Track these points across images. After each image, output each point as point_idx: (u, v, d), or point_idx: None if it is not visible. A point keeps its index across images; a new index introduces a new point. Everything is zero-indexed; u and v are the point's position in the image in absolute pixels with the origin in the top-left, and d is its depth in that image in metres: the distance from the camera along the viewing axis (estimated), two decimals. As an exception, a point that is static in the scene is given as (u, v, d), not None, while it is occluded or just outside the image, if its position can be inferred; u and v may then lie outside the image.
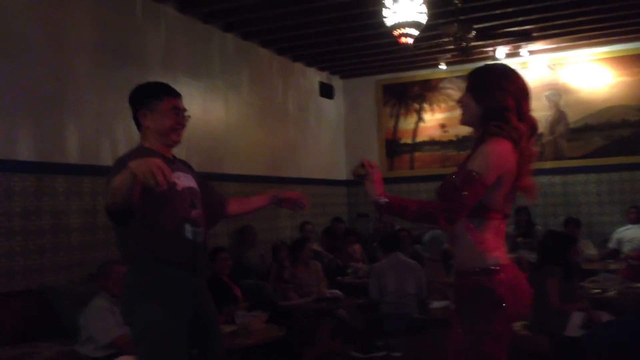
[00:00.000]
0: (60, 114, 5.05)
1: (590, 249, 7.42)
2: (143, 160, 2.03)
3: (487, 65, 2.43)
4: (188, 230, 2.53)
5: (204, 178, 2.83)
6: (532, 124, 2.31)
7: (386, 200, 2.20)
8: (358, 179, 2.28)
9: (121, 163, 2.31)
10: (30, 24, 4.83)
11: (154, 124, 2.58)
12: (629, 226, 7.45)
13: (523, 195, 2.32)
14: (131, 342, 3.73)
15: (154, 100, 2.58)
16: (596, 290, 5.40)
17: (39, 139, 4.86)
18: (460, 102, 2.38)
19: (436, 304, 6.31)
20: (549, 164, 8.48)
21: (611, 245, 7.51)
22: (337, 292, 5.81)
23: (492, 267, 2.21)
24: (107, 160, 5.24)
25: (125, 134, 5.33)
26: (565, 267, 4.93)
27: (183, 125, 2.63)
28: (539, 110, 8.48)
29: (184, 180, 2.60)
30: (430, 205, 2.17)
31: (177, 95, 2.65)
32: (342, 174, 9.90)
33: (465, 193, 2.11)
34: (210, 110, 6.89)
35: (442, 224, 2.15)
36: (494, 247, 2.24)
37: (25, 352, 4.05)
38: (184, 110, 2.65)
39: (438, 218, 2.13)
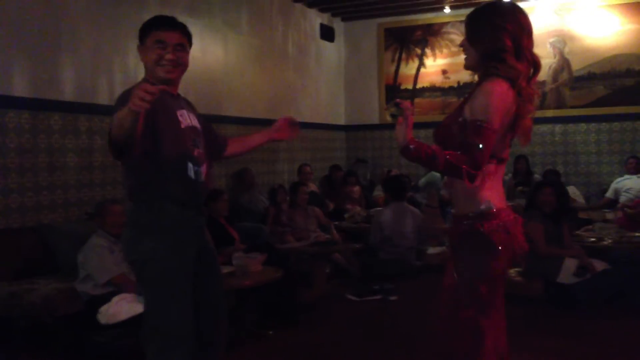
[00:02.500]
0: (56, 50, 4.95)
1: (578, 197, 7.44)
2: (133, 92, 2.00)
3: (482, 6, 2.30)
4: (190, 169, 2.50)
5: (206, 119, 2.77)
6: (533, 61, 2.22)
7: (415, 147, 2.06)
8: (391, 119, 2.12)
9: (124, 97, 2.26)
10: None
11: (143, 59, 2.54)
12: (627, 176, 7.44)
13: (518, 138, 2.26)
14: (130, 280, 3.82)
15: (143, 34, 2.53)
16: (592, 239, 5.44)
17: (34, 75, 4.77)
18: (462, 46, 2.31)
19: (432, 250, 6.38)
20: (550, 113, 8.40)
21: (608, 195, 7.52)
22: (336, 235, 5.83)
23: (487, 212, 2.18)
24: (103, 98, 5.16)
25: (122, 71, 5.23)
26: (544, 212, 5.00)
27: (169, 60, 2.48)
28: (543, 57, 8.07)
29: (187, 119, 2.56)
30: (456, 157, 2.05)
31: (166, 28, 2.50)
32: (341, 118, 9.83)
33: (482, 146, 2.03)
34: (208, 50, 6.77)
35: (467, 178, 2.05)
36: (490, 192, 2.21)
37: (24, 288, 4.08)
38: (178, 45, 2.51)
39: (464, 171, 2.03)
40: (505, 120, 2.15)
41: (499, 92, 2.12)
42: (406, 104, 2.14)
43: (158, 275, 2.44)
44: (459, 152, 2.07)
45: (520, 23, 2.21)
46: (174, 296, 2.44)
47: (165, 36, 2.49)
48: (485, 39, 2.20)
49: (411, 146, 2.08)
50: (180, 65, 2.54)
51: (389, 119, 2.15)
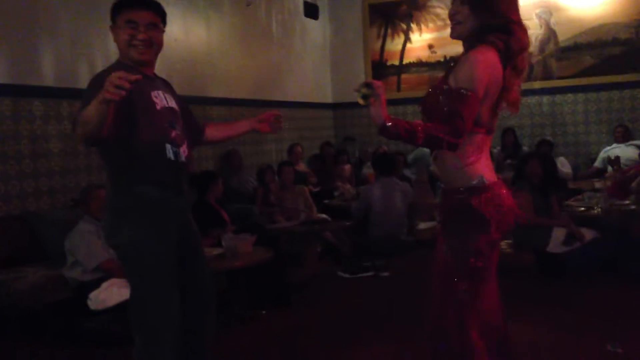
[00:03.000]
0: (35, 34, 4.85)
1: (566, 168, 7.45)
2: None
3: None
4: (169, 150, 2.45)
5: (184, 101, 2.71)
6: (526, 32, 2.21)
7: (393, 124, 2.05)
8: (363, 101, 2.09)
9: (96, 83, 2.21)
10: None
11: (115, 39, 2.48)
12: (615, 145, 7.45)
13: (507, 108, 2.23)
14: (119, 265, 3.78)
15: (114, 14, 2.46)
16: (581, 209, 5.44)
17: (13, 60, 4.67)
18: (455, 14, 2.21)
19: (423, 225, 6.38)
20: (537, 84, 8.37)
21: (597, 164, 7.54)
22: (323, 216, 5.80)
23: (477, 186, 2.16)
24: (85, 82, 5.01)
25: (103, 55, 5.15)
26: (532, 183, 4.99)
27: (140, 40, 2.41)
28: (530, 28, 8.26)
29: (163, 100, 2.50)
30: (436, 128, 2.04)
31: (137, 7, 2.42)
32: (328, 97, 9.76)
33: (464, 114, 2.01)
34: (191, 31, 6.67)
35: (448, 147, 2.05)
36: (479, 165, 2.19)
37: (11, 277, 4.04)
38: (150, 24, 2.43)
39: (444, 141, 2.02)
40: (491, 89, 2.11)
41: (485, 61, 2.09)
42: (377, 82, 2.10)
43: (139, 261, 2.41)
44: (438, 123, 2.05)
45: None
46: (157, 281, 2.41)
47: (137, 16, 2.41)
48: (497, 8, 2.14)
49: (388, 124, 2.05)
50: (154, 45, 2.46)
51: (360, 101, 2.10)
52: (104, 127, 2.08)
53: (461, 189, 2.19)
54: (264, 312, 4.37)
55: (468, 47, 2.19)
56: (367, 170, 7.64)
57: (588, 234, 4.95)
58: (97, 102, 1.99)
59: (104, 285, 3.80)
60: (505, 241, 5.08)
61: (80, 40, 5.17)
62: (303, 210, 5.96)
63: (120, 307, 3.58)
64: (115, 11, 2.45)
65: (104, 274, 3.92)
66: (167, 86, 2.63)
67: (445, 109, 2.07)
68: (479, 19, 2.16)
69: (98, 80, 2.17)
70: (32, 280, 3.98)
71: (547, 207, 5.07)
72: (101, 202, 4.08)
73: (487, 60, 2.10)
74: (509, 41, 2.12)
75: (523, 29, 2.19)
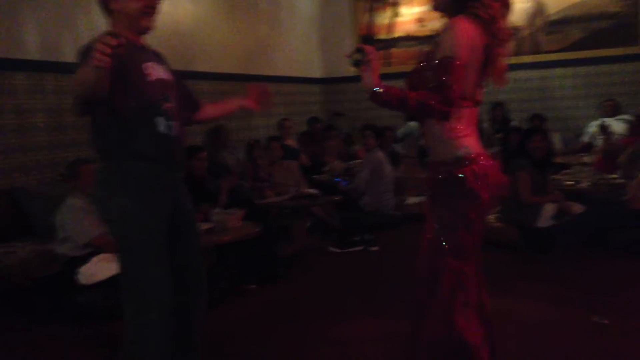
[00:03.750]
0: (17, 6, 4.76)
1: (556, 142, 7.47)
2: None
3: None
4: (161, 123, 2.41)
5: (179, 74, 2.67)
6: (503, 1, 2.19)
7: (384, 91, 2.05)
8: (355, 66, 2.09)
9: (85, 52, 2.16)
10: None
11: (123, 6, 2.40)
12: (604, 119, 7.47)
13: (493, 80, 2.22)
14: (110, 240, 3.76)
15: None
16: (569, 183, 5.48)
17: (-5, 33, 4.60)
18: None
19: (412, 200, 6.40)
20: (526, 59, 8.35)
21: (585, 139, 7.56)
22: (313, 190, 5.80)
23: (463, 157, 2.16)
24: (70, 55, 4.92)
25: (88, 27, 5.07)
26: (534, 160, 4.98)
27: (154, 8, 2.43)
28: (518, 2, 8.25)
29: (156, 71, 2.45)
30: (426, 97, 2.04)
31: None
32: (317, 71, 9.70)
33: (451, 82, 2.01)
34: (179, 4, 6.58)
35: (440, 116, 2.07)
36: (466, 136, 2.19)
37: (0, 252, 4.01)
38: None
39: (436, 110, 2.03)
40: (474, 57, 2.11)
41: (461, 27, 2.10)
42: (369, 48, 2.09)
43: (129, 233, 2.38)
44: (428, 93, 2.05)
45: None
46: (148, 255, 2.38)
47: None
48: None
49: (380, 90, 2.04)
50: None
51: (352, 68, 2.10)
52: (101, 86, 2.05)
53: (448, 160, 2.19)
54: (253, 286, 4.38)
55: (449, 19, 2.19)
56: (358, 145, 7.62)
57: (576, 207, 4.99)
58: (90, 66, 1.96)
59: (94, 259, 3.79)
60: (494, 215, 5.11)
61: (64, 12, 5.09)
62: (292, 185, 5.95)
63: (110, 281, 3.58)
64: None
65: (95, 248, 3.90)
66: (159, 58, 2.59)
67: (431, 84, 2.06)
68: None
69: (85, 51, 2.14)
70: (20, 256, 3.96)
71: (543, 184, 5.06)
72: (90, 177, 4.01)
73: (466, 27, 2.10)
74: (482, 10, 2.11)
75: None
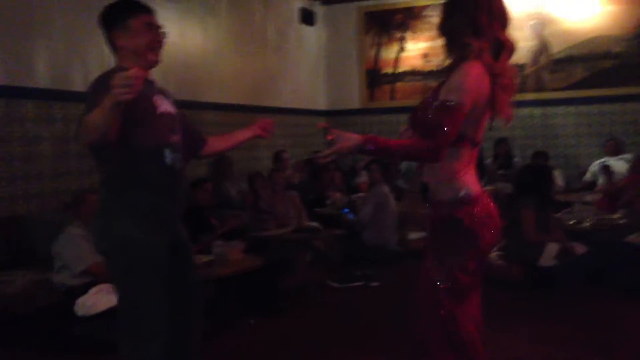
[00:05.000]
0: (29, 36, 4.84)
1: (558, 181, 7.48)
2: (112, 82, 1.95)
3: None
4: (168, 156, 2.44)
5: (183, 111, 2.70)
6: (499, 40, 2.17)
7: (371, 147, 2.06)
8: (333, 153, 2.08)
9: (100, 87, 2.19)
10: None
11: (128, 43, 2.44)
12: (606, 158, 7.48)
13: (497, 117, 2.24)
14: (107, 269, 3.76)
15: (126, 18, 2.43)
16: (571, 222, 5.47)
17: (6, 61, 4.67)
18: (438, 31, 2.29)
19: (414, 235, 6.38)
20: (530, 96, 8.41)
21: (587, 177, 7.57)
22: (314, 224, 5.80)
23: (464, 198, 2.17)
24: (78, 85, 5.06)
25: (97, 58, 5.12)
26: (540, 198, 4.98)
27: (160, 43, 2.48)
28: (523, 40, 8.32)
29: (164, 105, 2.49)
30: (413, 147, 2.09)
31: (149, 11, 2.49)
32: (322, 103, 9.77)
33: (447, 128, 2.03)
34: (187, 35, 6.67)
35: (428, 162, 2.12)
36: (466, 178, 2.19)
37: (0, 280, 4.01)
38: (160, 27, 2.50)
39: (423, 158, 2.09)
40: (478, 103, 2.13)
41: (474, 74, 2.11)
42: (332, 130, 2.11)
43: (129, 265, 2.37)
44: (418, 139, 2.11)
45: (476, 2, 2.18)
46: (147, 288, 2.38)
47: (153, 19, 2.48)
48: (446, 22, 2.23)
49: (366, 146, 2.05)
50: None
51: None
52: (112, 130, 2.08)
53: (448, 200, 2.20)
54: (252, 320, 4.36)
55: (456, 59, 2.20)
56: (362, 179, 7.64)
57: (579, 248, 4.98)
58: (108, 105, 1.98)
59: (92, 290, 3.78)
60: (496, 252, 5.10)
61: (75, 42, 5.16)
62: (294, 216, 5.96)
63: (108, 313, 3.57)
64: (127, 15, 2.44)
65: (92, 278, 3.90)
66: (164, 91, 2.63)
67: (429, 122, 2.09)
68: (442, 33, 2.26)
69: (102, 84, 2.14)
70: (21, 285, 3.95)
71: (545, 222, 5.06)
72: (92, 206, 4.06)
73: (477, 73, 2.12)
74: (458, 47, 2.17)
75: (489, 33, 2.17)
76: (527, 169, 5.59)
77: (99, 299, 3.71)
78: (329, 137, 2.08)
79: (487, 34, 2.16)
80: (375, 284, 5.31)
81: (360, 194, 6.89)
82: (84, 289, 3.80)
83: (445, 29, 2.24)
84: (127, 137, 2.26)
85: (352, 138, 2.06)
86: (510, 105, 2.22)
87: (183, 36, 6.57)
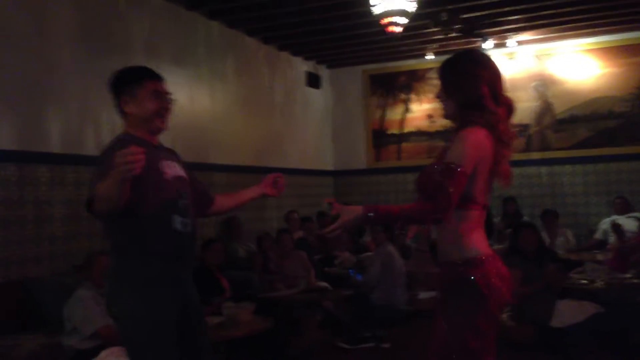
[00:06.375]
0: (43, 102, 4.96)
1: (569, 239, 7.44)
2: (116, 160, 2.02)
3: (453, 56, 2.36)
4: (177, 221, 2.45)
5: (191, 170, 2.74)
6: (508, 104, 2.28)
7: (372, 215, 2.13)
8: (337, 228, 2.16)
9: (106, 157, 2.24)
10: (13, 10, 4.73)
11: (136, 110, 2.48)
12: (615, 217, 7.47)
13: (498, 181, 2.28)
14: (116, 332, 3.72)
15: (134, 85, 2.48)
16: (583, 281, 5.41)
17: (21, 127, 4.76)
18: (439, 97, 2.35)
19: (424, 295, 6.32)
20: (535, 155, 8.49)
21: (597, 236, 7.54)
22: (323, 283, 5.77)
23: (473, 260, 2.18)
24: (91, 149, 5.15)
25: (109, 123, 5.24)
26: (522, 254, 4.97)
27: (167, 110, 2.52)
28: (526, 101, 8.50)
29: (172, 169, 2.53)
30: (416, 210, 2.13)
31: (158, 78, 2.54)
32: (329, 164, 9.87)
33: (451, 189, 2.07)
34: (195, 99, 6.81)
35: (432, 224, 2.16)
36: (475, 239, 2.21)
37: (8, 344, 3.98)
38: (168, 93, 2.54)
39: (427, 221, 2.15)
40: (482, 167, 2.17)
41: (474, 140, 2.16)
42: (335, 204, 2.21)
43: (138, 332, 2.37)
44: (421, 202, 2.14)
45: (493, 68, 2.27)
46: (158, 355, 2.37)
47: (161, 87, 2.52)
48: (463, 88, 2.25)
49: (370, 214, 2.12)
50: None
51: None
52: (122, 201, 2.13)
53: (458, 261, 2.20)
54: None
55: (457, 127, 2.26)
56: (368, 238, 7.64)
57: (591, 307, 4.91)
58: (114, 180, 2.04)
59: (103, 354, 3.73)
60: (506, 313, 5.03)
61: (87, 107, 5.28)
62: (303, 276, 5.93)
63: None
64: (135, 82, 2.49)
65: (101, 341, 3.86)
66: (174, 154, 2.67)
67: (433, 184, 2.13)
68: (455, 100, 2.28)
69: (109, 155, 2.19)
70: (29, 348, 3.91)
71: (540, 277, 5.00)
72: (102, 268, 4.07)
73: (476, 139, 2.17)
74: (485, 116, 2.20)
75: (504, 99, 2.26)
76: (515, 228, 5.58)
77: (110, 363, 3.67)
78: (333, 212, 2.16)
79: (503, 100, 2.24)
80: (386, 345, 5.23)
81: (368, 253, 6.87)
82: (93, 352, 3.75)
83: (462, 97, 2.26)
84: (133, 205, 2.28)
85: (354, 210, 2.14)
86: (509, 167, 2.28)
87: (192, 101, 6.71)
